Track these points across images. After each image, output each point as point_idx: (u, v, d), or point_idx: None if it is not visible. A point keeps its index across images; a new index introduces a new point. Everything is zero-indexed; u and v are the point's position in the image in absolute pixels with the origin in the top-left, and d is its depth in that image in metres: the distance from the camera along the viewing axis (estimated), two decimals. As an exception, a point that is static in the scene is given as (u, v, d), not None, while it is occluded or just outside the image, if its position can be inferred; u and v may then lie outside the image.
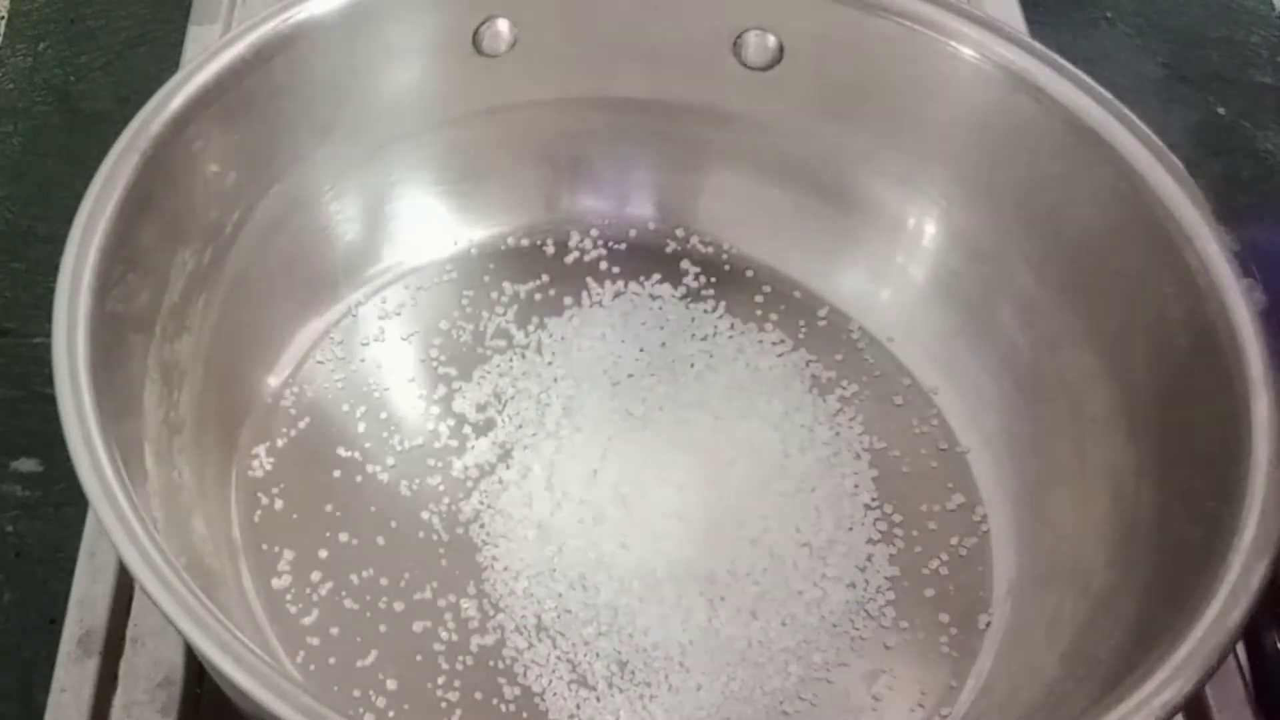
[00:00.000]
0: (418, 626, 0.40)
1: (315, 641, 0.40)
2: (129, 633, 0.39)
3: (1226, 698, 0.39)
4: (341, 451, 0.44)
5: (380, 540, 0.42)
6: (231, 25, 0.54)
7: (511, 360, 0.46)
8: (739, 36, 0.45)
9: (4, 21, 0.59)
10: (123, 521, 0.31)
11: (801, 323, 0.47)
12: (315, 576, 0.41)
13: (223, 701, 0.37)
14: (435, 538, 0.42)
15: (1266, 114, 0.58)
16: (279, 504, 0.42)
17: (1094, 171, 0.40)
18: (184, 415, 0.40)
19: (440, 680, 0.39)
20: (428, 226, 0.48)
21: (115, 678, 0.39)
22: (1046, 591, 0.40)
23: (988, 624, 0.41)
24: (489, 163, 0.48)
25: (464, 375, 0.46)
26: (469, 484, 0.43)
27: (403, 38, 0.44)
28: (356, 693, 0.39)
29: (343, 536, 0.42)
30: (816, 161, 0.47)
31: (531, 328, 0.47)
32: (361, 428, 0.44)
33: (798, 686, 0.39)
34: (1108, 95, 0.40)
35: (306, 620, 0.40)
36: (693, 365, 0.46)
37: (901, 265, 0.47)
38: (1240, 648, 0.39)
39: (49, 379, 0.33)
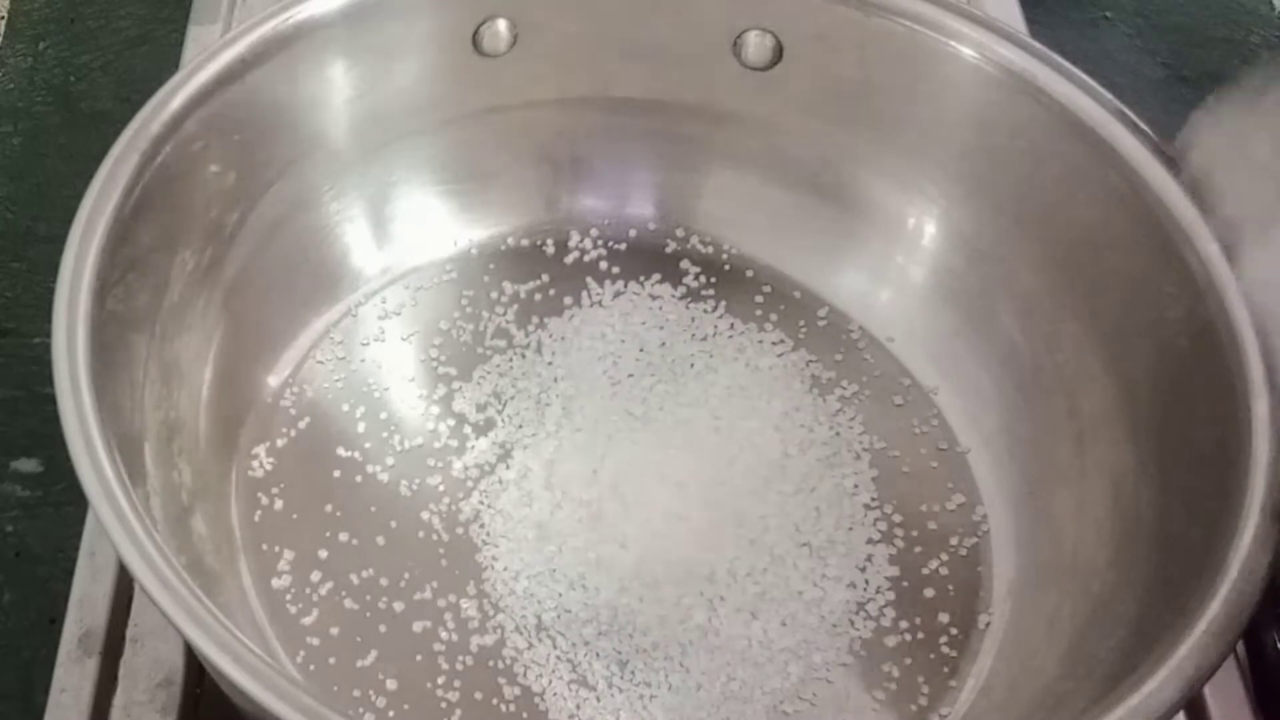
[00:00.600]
0: (418, 626, 0.40)
1: (315, 641, 0.40)
2: (129, 633, 0.39)
3: (1226, 698, 0.39)
4: (341, 451, 0.44)
5: (380, 540, 0.42)
6: (231, 25, 0.54)
7: (511, 360, 0.46)
8: (739, 36, 0.45)
9: (4, 21, 0.59)
10: (123, 521, 0.31)
11: (801, 323, 0.47)
12: (315, 576, 0.41)
13: (223, 701, 0.37)
14: (435, 538, 0.42)
15: (1266, 114, 0.58)
16: (279, 504, 0.42)
17: (1094, 171, 0.40)
18: (184, 415, 0.40)
19: (440, 680, 0.39)
20: (428, 226, 0.48)
21: (115, 678, 0.39)
22: (1046, 591, 0.40)
23: (988, 624, 0.41)
24: (489, 163, 0.48)
25: (464, 375, 0.46)
26: (469, 484, 0.43)
27: (403, 38, 0.44)
28: (356, 693, 0.39)
29: (343, 536, 0.42)
30: (816, 161, 0.47)
31: (531, 328, 0.47)
32: (361, 428, 0.44)
33: (798, 686, 0.39)
34: (1108, 95, 0.40)
35: (306, 620, 0.40)
36: (693, 365, 0.46)
37: (901, 265, 0.47)
38: (1240, 648, 0.40)
39: (49, 379, 0.33)
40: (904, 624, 0.41)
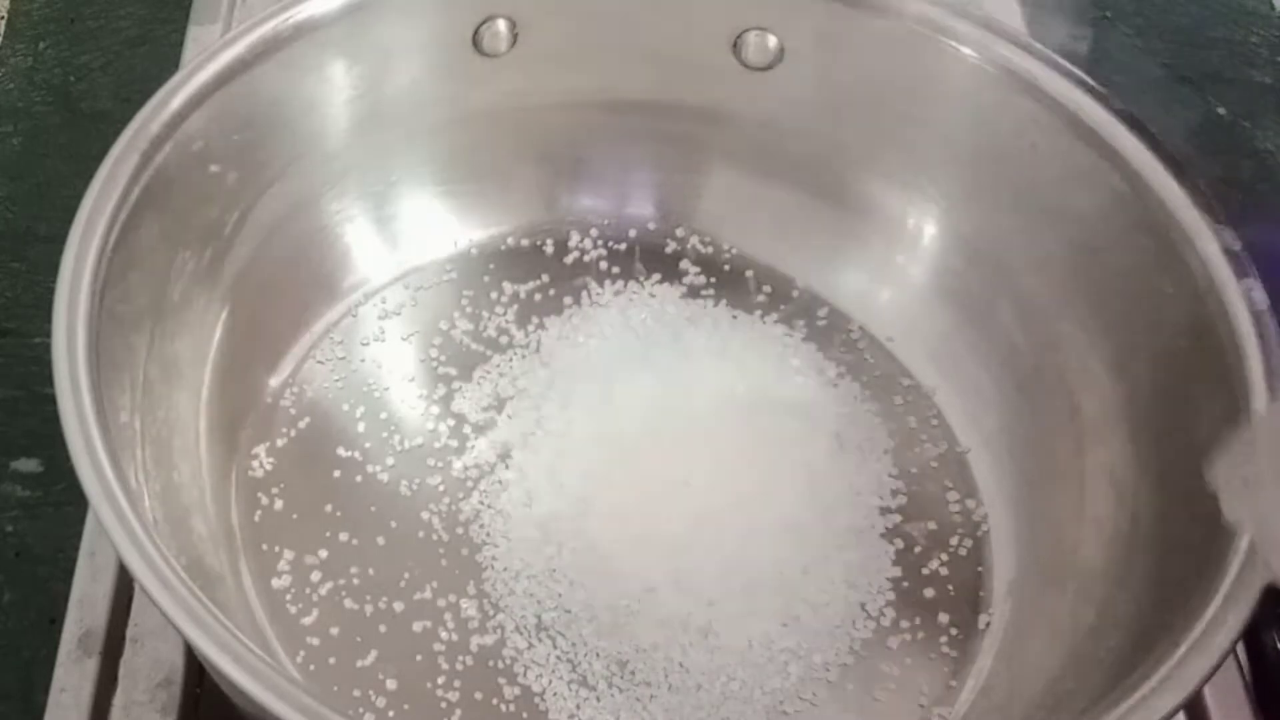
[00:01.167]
0: (418, 626, 0.40)
1: (315, 641, 0.40)
2: (129, 633, 0.39)
3: (1226, 698, 0.39)
4: (341, 451, 0.44)
5: (380, 540, 0.42)
6: (231, 25, 0.54)
7: (511, 360, 0.46)
8: (739, 36, 0.45)
9: (4, 21, 0.59)
10: (123, 521, 0.31)
11: (801, 322, 0.47)
12: (315, 576, 0.41)
13: (223, 701, 0.37)
14: (435, 538, 0.42)
15: (1266, 114, 0.58)
16: (279, 504, 0.42)
17: (1094, 171, 0.40)
18: (184, 415, 0.40)
19: (440, 680, 0.39)
20: (428, 226, 0.48)
21: (115, 678, 0.39)
22: (1046, 591, 0.40)
23: (988, 624, 0.41)
24: (489, 163, 0.48)
25: (464, 375, 0.46)
26: (469, 484, 0.43)
27: (403, 38, 0.44)
28: (356, 693, 0.39)
29: (343, 536, 0.42)
30: (816, 161, 0.47)
31: (531, 328, 0.47)
32: (361, 428, 0.44)
33: (798, 686, 0.39)
34: (1108, 95, 0.40)
35: (306, 620, 0.40)
36: (692, 365, 0.46)
37: (901, 265, 0.47)
38: (1240, 648, 0.40)
39: (49, 379, 0.33)
40: (904, 624, 0.41)
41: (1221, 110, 0.58)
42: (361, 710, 0.38)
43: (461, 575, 0.41)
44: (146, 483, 0.36)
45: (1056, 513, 0.41)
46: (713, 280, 0.48)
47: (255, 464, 0.43)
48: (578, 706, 0.39)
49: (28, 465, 0.45)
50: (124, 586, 0.40)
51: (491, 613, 0.40)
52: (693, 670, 0.39)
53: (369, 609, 0.40)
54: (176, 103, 0.39)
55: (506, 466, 0.43)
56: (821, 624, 0.40)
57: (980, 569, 0.42)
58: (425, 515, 0.42)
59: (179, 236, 0.40)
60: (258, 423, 0.44)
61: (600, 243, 0.49)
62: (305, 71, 0.42)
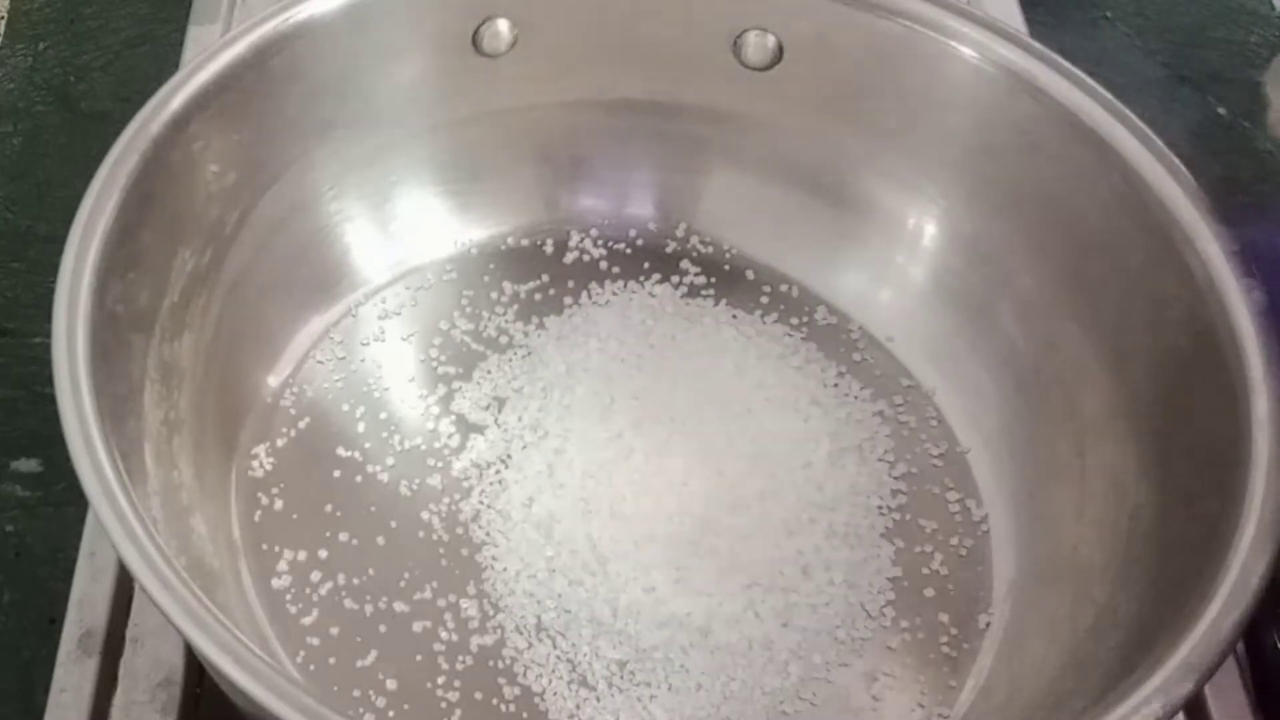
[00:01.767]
0: (418, 626, 0.40)
1: (315, 641, 0.40)
2: (129, 633, 0.39)
3: (1226, 698, 0.39)
4: (341, 451, 0.44)
5: (380, 540, 0.42)
6: (231, 25, 0.54)
7: (511, 360, 0.46)
8: (739, 36, 0.45)
9: (4, 21, 0.59)
10: (123, 521, 0.31)
11: (801, 323, 0.47)
12: (315, 576, 0.41)
13: (223, 701, 0.37)
14: (435, 538, 0.42)
15: (1266, 114, 0.58)
16: (279, 504, 0.42)
17: (1094, 171, 0.40)
18: (184, 415, 0.40)
19: (440, 680, 0.39)
20: (428, 226, 0.48)
21: (115, 678, 0.39)
22: (1046, 591, 0.40)
23: (988, 624, 0.41)
24: (489, 163, 0.48)
25: (464, 375, 0.46)
26: (469, 484, 0.43)
27: (403, 38, 0.44)
28: (356, 693, 0.39)
29: (343, 536, 0.42)
30: (816, 161, 0.47)
31: (531, 328, 0.47)
32: (361, 428, 0.44)
33: (798, 686, 0.39)
34: (1108, 95, 0.40)
35: (306, 620, 0.40)
36: (692, 365, 0.46)
37: (901, 265, 0.47)
38: (1240, 648, 0.40)
39: (49, 379, 0.33)
40: (904, 624, 0.41)
41: (1221, 110, 0.58)
42: (361, 710, 0.38)
43: (461, 575, 0.41)
44: (146, 483, 0.36)
45: (1056, 513, 0.41)
46: (713, 280, 0.48)
47: (255, 464, 0.43)
48: (578, 706, 0.39)
49: (28, 465, 0.45)
50: (124, 586, 0.40)
51: (491, 613, 0.40)
52: (693, 670, 0.39)
53: (369, 609, 0.40)
54: (176, 103, 0.39)
55: (506, 466, 0.43)
56: (821, 624, 0.40)
57: (980, 569, 0.42)
58: (425, 515, 0.42)
59: (179, 236, 0.40)
60: (258, 423, 0.44)
61: (600, 243, 0.49)
62: (305, 71, 0.42)
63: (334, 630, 0.40)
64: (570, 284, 0.48)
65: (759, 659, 0.39)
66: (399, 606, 0.40)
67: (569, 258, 0.49)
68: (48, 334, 0.34)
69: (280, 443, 0.44)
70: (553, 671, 0.39)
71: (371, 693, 0.39)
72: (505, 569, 0.41)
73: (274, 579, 0.41)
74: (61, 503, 0.44)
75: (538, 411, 0.45)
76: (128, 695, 0.38)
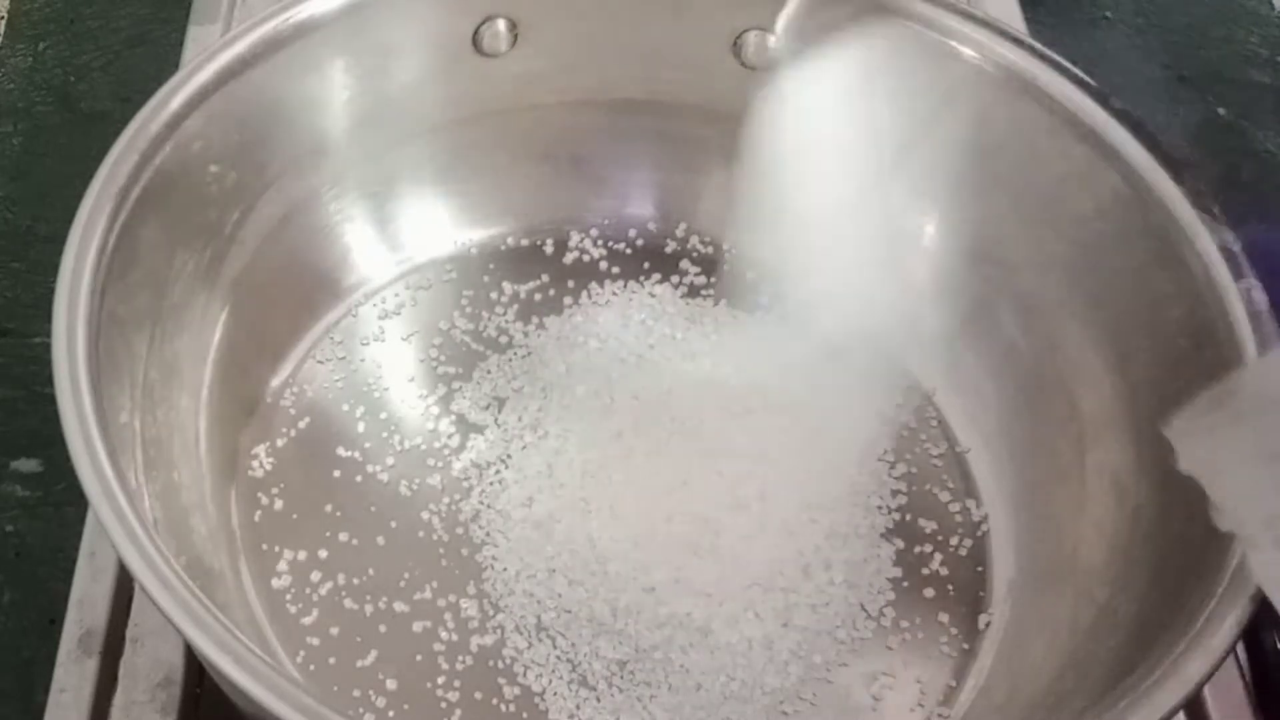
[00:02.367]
0: (418, 626, 0.40)
1: (315, 641, 0.40)
2: (129, 633, 0.39)
3: (1226, 698, 0.39)
4: (341, 451, 0.44)
5: (380, 540, 0.42)
6: (231, 25, 0.54)
7: (511, 360, 0.46)
8: (739, 36, 0.45)
9: (4, 21, 0.59)
10: (123, 521, 0.31)
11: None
12: (315, 576, 0.41)
13: (223, 701, 0.37)
14: (435, 538, 0.42)
15: (1266, 114, 0.58)
16: (279, 504, 0.42)
17: (1094, 172, 0.40)
18: (184, 415, 0.40)
19: (440, 680, 0.39)
20: (428, 226, 0.48)
21: (115, 678, 0.39)
22: (1046, 591, 0.40)
23: (988, 624, 0.41)
24: (489, 163, 0.48)
25: (464, 375, 0.46)
26: (469, 484, 0.43)
27: (403, 38, 0.44)
28: (356, 693, 0.39)
29: (343, 536, 0.42)
30: (816, 161, 0.47)
31: (531, 328, 0.47)
32: (361, 428, 0.44)
33: (798, 686, 0.39)
34: (1108, 95, 0.40)
35: (306, 620, 0.40)
36: (692, 365, 0.46)
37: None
38: (1240, 648, 0.40)
39: (49, 379, 0.33)
40: (904, 624, 0.41)
41: (1221, 110, 0.58)
42: (361, 710, 0.38)
43: (461, 575, 0.41)
44: (146, 483, 0.36)
45: (1056, 513, 0.41)
46: (713, 280, 0.48)
47: (255, 464, 0.43)
48: (578, 706, 0.39)
49: (28, 465, 0.45)
50: (124, 586, 0.40)
51: (491, 613, 0.40)
52: (693, 670, 0.39)
53: (369, 609, 0.40)
54: (176, 103, 0.39)
55: (506, 466, 0.43)
56: (821, 624, 0.40)
57: (980, 569, 0.42)
58: (425, 515, 0.42)
59: (179, 236, 0.40)
60: (258, 423, 0.44)
61: (600, 243, 0.49)
62: (305, 71, 0.42)
63: (334, 630, 0.40)
64: (570, 284, 0.48)
65: (759, 659, 0.39)
66: (399, 606, 0.40)
67: (569, 258, 0.49)
68: (48, 334, 0.34)
69: (280, 443, 0.44)
70: (553, 671, 0.39)
71: (371, 693, 0.39)
72: (505, 569, 0.41)
73: (274, 579, 0.41)
74: (61, 503, 0.44)
75: (537, 411, 0.45)
76: (128, 695, 0.38)
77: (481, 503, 0.43)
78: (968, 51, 0.42)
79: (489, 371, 0.46)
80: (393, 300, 0.47)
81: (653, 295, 0.48)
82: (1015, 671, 0.39)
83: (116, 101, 0.56)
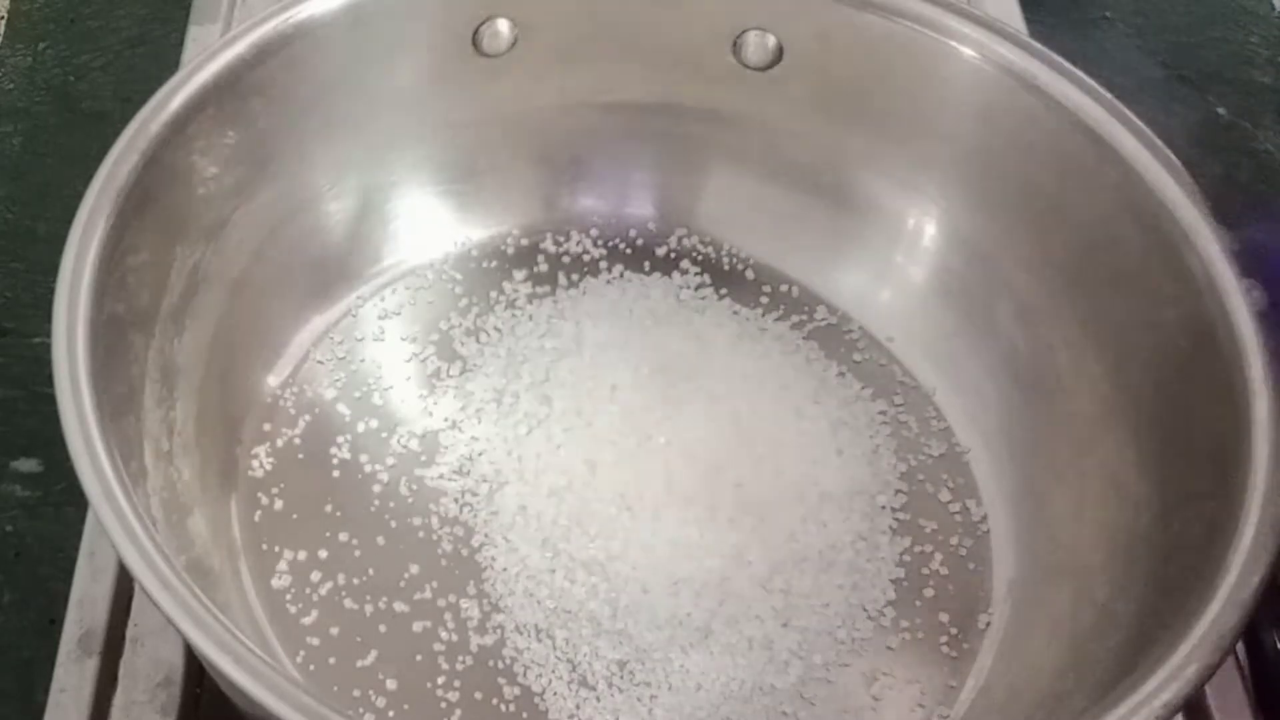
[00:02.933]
0: (418, 626, 0.40)
1: (315, 641, 0.40)
2: (129, 633, 0.39)
3: (1226, 698, 0.39)
4: (342, 452, 0.44)
5: (380, 540, 0.42)
6: (231, 25, 0.54)
7: (512, 361, 0.46)
8: (739, 36, 0.45)
9: (4, 21, 0.59)
10: (123, 521, 0.31)
11: (801, 322, 0.47)
12: (315, 576, 0.41)
13: (223, 701, 0.37)
14: (435, 538, 0.42)
15: (1266, 114, 0.58)
16: (279, 504, 0.42)
17: (1094, 171, 0.40)
18: (184, 415, 0.40)
19: (440, 680, 0.39)
20: (428, 226, 0.48)
21: (115, 678, 0.39)
22: (1046, 591, 0.40)
23: (988, 624, 0.41)
24: (489, 163, 0.48)
25: (464, 375, 0.46)
26: (469, 484, 0.43)
27: (403, 38, 0.44)
28: (356, 693, 0.39)
29: (343, 536, 0.42)
30: (816, 161, 0.47)
31: (532, 327, 0.47)
32: (361, 428, 0.44)
33: (798, 686, 0.39)
34: (1108, 95, 0.40)
35: (306, 620, 0.40)
36: (692, 365, 0.46)
37: (901, 265, 0.47)
38: (1240, 648, 0.40)
39: (49, 379, 0.33)
40: (904, 624, 0.41)
41: (1221, 110, 0.58)
42: (361, 710, 0.38)
43: (461, 575, 0.41)
44: (146, 483, 0.36)
45: (1056, 513, 0.41)
46: (713, 280, 0.48)
47: (255, 464, 0.43)
48: (578, 706, 0.39)
49: (28, 465, 0.45)
50: (124, 586, 0.40)
51: (491, 613, 0.40)
52: (693, 670, 0.39)
53: (369, 609, 0.40)
54: (176, 103, 0.39)
55: (507, 466, 0.43)
56: (821, 624, 0.40)
57: (980, 569, 0.42)
58: (425, 515, 0.42)
59: (179, 236, 0.40)
60: (258, 423, 0.44)
61: (600, 242, 0.49)
62: (305, 71, 0.42)
63: (334, 630, 0.40)
64: (570, 283, 0.48)
65: (759, 659, 0.39)
66: (399, 606, 0.40)
67: (569, 258, 0.49)
68: (48, 334, 0.34)
69: (280, 443, 0.44)
70: (553, 671, 0.39)
71: (371, 693, 0.39)
72: (505, 569, 0.41)
73: (274, 579, 0.41)
74: (61, 503, 0.44)
75: (538, 411, 0.44)
76: (128, 695, 0.38)
77: (481, 503, 0.43)
78: (968, 51, 0.42)
79: (489, 372, 0.46)
80: (393, 300, 0.47)
81: (652, 295, 0.48)
82: (1015, 671, 0.39)
83: (116, 101, 0.56)
